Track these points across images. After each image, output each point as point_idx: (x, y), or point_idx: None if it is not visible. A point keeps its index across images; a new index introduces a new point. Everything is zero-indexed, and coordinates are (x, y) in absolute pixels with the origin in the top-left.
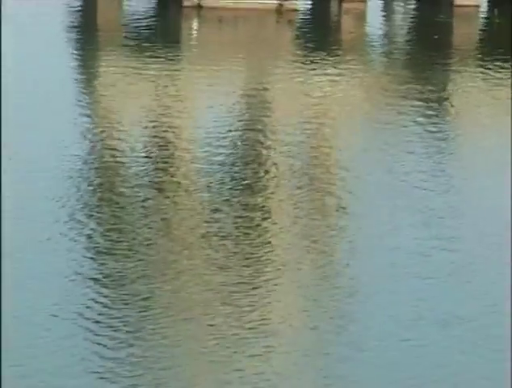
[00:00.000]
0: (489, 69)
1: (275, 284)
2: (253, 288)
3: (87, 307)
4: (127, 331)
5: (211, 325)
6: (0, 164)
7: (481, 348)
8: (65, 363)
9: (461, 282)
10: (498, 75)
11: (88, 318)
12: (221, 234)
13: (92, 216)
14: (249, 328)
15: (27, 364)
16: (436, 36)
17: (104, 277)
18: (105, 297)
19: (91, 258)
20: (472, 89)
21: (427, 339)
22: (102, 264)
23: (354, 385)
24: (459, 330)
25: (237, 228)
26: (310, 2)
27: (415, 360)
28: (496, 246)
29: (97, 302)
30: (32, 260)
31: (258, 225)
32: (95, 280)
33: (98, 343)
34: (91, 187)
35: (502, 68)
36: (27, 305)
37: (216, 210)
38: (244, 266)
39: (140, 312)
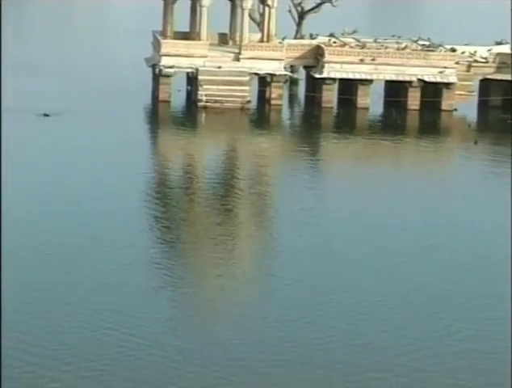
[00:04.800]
0: (338, 136)
1: (241, 230)
2: (230, 233)
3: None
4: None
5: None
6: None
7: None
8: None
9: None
10: (344, 141)
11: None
12: (217, 217)
13: (156, 210)
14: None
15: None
16: (313, 121)
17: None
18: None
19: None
20: (332, 146)
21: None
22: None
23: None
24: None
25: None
26: (255, 105)
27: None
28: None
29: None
30: (133, 226)
31: (232, 213)
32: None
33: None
34: (155, 194)
35: (346, 137)
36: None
37: (215, 205)
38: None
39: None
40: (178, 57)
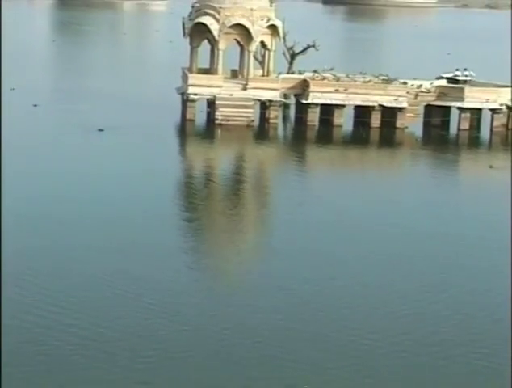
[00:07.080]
0: (320, 147)
1: (248, 219)
2: (239, 220)
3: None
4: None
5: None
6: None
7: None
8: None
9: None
10: (323, 150)
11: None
12: (230, 209)
13: (178, 204)
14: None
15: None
16: (301, 135)
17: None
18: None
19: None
20: (315, 154)
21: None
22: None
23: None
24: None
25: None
26: (258, 123)
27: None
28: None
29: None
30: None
31: (240, 205)
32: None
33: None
34: (184, 187)
35: (325, 148)
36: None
37: (229, 195)
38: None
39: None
40: (201, 87)
